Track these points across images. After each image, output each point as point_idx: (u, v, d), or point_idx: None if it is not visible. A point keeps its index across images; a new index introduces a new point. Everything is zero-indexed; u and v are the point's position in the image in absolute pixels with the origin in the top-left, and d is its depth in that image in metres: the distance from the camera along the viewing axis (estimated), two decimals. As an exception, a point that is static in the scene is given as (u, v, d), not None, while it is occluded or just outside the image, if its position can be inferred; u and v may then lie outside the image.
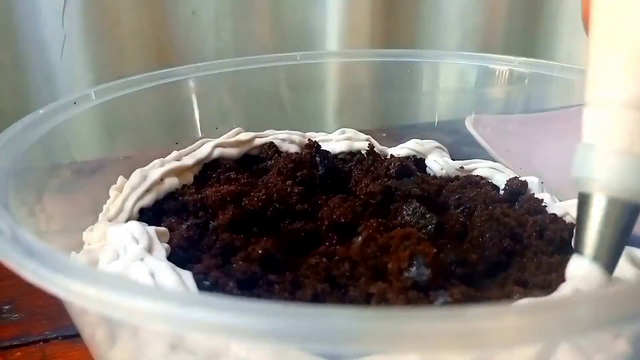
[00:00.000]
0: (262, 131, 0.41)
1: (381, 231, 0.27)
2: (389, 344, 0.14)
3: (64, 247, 0.28)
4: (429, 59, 0.46)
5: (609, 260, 0.21)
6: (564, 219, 0.31)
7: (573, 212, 0.30)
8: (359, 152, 0.40)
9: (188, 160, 0.36)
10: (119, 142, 0.40)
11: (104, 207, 0.32)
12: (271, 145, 0.40)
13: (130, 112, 0.38)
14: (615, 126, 0.19)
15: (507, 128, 0.45)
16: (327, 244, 0.29)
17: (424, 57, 0.46)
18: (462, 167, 0.38)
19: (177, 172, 0.35)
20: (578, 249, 0.21)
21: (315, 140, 0.37)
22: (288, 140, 0.40)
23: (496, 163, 0.38)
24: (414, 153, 0.38)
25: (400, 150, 0.39)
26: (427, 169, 0.39)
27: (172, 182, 0.34)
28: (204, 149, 0.37)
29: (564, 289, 0.21)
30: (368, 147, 0.40)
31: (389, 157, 0.39)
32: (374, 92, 0.51)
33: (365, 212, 0.31)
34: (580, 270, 0.21)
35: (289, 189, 0.33)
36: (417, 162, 0.39)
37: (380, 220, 0.28)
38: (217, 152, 0.37)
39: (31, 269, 0.17)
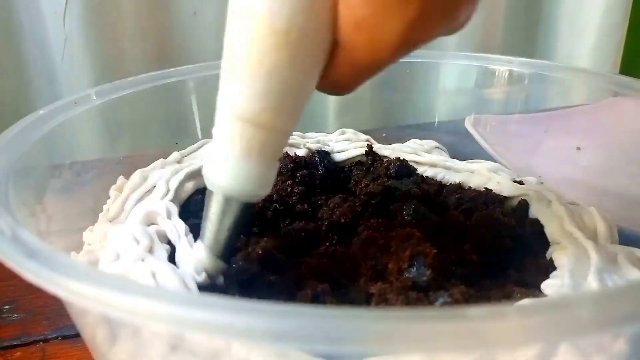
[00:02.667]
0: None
1: (381, 231, 0.27)
2: (389, 344, 0.14)
3: (64, 248, 0.28)
4: (428, 59, 0.46)
5: (223, 250, 0.24)
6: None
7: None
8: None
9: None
10: (119, 142, 0.40)
11: (104, 207, 0.32)
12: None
13: (130, 112, 0.38)
14: (222, 135, 0.22)
15: (507, 128, 0.45)
16: (327, 244, 0.29)
17: (424, 57, 0.46)
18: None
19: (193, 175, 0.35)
20: (201, 242, 0.25)
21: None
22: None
23: (496, 163, 0.38)
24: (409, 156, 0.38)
25: (398, 152, 0.39)
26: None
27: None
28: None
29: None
30: (367, 147, 0.40)
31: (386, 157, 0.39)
32: (374, 92, 0.51)
33: (365, 212, 0.31)
34: (197, 257, 0.24)
35: (289, 189, 0.33)
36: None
37: (380, 220, 0.28)
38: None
39: (31, 269, 0.17)
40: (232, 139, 0.22)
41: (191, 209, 0.32)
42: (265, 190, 0.23)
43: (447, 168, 0.37)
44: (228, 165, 0.22)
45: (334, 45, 0.20)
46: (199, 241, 0.25)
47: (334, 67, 0.21)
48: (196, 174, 0.34)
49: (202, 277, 0.24)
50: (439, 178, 0.37)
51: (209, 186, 0.24)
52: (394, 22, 0.18)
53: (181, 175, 0.33)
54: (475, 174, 0.36)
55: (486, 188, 0.34)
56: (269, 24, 0.19)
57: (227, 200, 0.23)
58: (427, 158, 0.38)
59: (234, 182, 0.22)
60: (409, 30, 0.18)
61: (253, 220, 0.30)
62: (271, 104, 0.21)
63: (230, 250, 0.25)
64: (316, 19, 0.19)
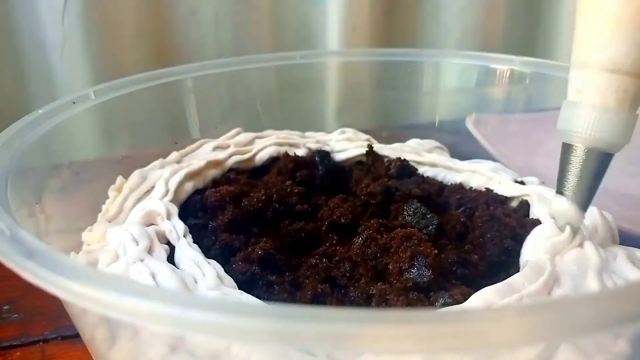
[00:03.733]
0: (262, 131, 0.41)
1: (382, 232, 0.27)
2: (389, 345, 0.14)
3: (64, 248, 0.28)
4: (429, 59, 0.46)
5: (583, 199, 0.25)
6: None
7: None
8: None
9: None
10: (118, 142, 0.40)
11: (103, 207, 0.32)
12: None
13: (129, 111, 0.38)
14: (591, 86, 0.22)
15: (508, 128, 0.45)
16: (327, 244, 0.29)
17: (424, 56, 0.46)
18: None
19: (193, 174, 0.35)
20: (559, 190, 0.25)
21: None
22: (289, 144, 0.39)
23: (496, 163, 0.38)
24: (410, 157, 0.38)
25: (398, 152, 0.39)
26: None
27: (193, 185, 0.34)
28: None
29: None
30: (367, 147, 0.40)
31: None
32: (374, 92, 0.51)
33: (365, 213, 0.31)
34: (560, 207, 0.25)
35: (289, 189, 0.33)
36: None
37: (380, 220, 0.28)
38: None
39: (31, 269, 0.17)
40: (605, 90, 0.22)
41: (190, 209, 0.32)
42: (626, 141, 0.23)
43: (448, 168, 0.37)
44: (596, 116, 0.22)
45: None
46: (556, 197, 0.25)
47: None
48: (195, 174, 0.34)
49: None
50: (439, 178, 0.37)
51: (567, 138, 0.24)
52: None
53: (180, 175, 0.33)
54: (476, 174, 0.36)
55: (487, 188, 0.34)
56: None
57: (590, 151, 0.23)
58: (427, 158, 0.38)
59: (601, 133, 0.23)
60: None
61: (253, 220, 0.30)
62: None
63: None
64: None
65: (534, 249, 0.25)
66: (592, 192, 0.24)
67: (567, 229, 0.25)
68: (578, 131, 0.23)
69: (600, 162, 0.24)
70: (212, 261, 0.25)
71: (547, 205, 0.31)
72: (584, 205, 0.25)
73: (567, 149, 0.24)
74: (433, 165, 0.38)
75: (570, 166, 0.24)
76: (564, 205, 0.25)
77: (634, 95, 0.22)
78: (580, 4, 0.22)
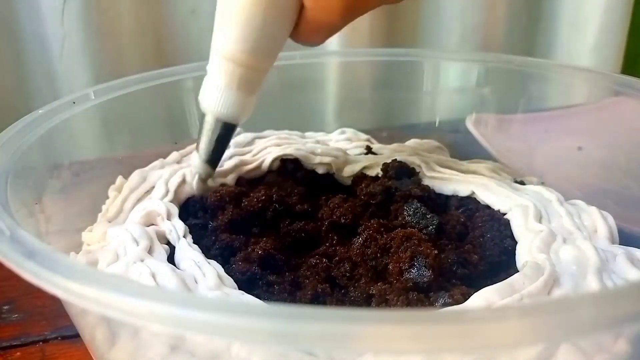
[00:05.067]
0: (262, 131, 0.41)
1: (382, 232, 0.27)
2: (389, 345, 0.14)
3: (64, 248, 0.28)
4: (429, 59, 0.46)
5: (212, 158, 0.31)
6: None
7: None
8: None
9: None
10: (118, 142, 0.40)
11: (103, 207, 0.32)
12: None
13: (129, 111, 0.38)
14: (214, 69, 0.28)
15: (508, 128, 0.45)
16: (327, 244, 0.29)
17: (424, 56, 0.46)
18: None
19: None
20: (197, 149, 0.31)
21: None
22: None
23: (496, 163, 0.38)
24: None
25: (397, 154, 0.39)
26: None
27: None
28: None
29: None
30: (366, 147, 0.40)
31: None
32: (374, 92, 0.51)
33: (365, 213, 0.31)
34: (194, 162, 0.31)
35: (289, 189, 0.33)
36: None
37: (380, 220, 0.28)
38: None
39: (31, 270, 0.17)
40: (219, 73, 0.28)
41: (190, 209, 0.32)
42: (245, 116, 0.30)
43: (448, 168, 0.37)
44: (217, 93, 0.28)
45: (301, 7, 0.26)
46: (194, 152, 0.31)
47: (302, 23, 0.27)
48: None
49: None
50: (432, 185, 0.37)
51: (202, 109, 0.30)
52: None
53: (180, 176, 0.33)
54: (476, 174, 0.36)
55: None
56: None
57: (216, 121, 0.29)
58: (427, 158, 0.38)
59: (220, 107, 0.29)
60: None
61: (253, 220, 0.30)
62: (248, 47, 0.27)
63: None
64: None
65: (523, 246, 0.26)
66: (219, 152, 0.31)
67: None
68: (207, 105, 0.29)
69: (223, 129, 0.30)
70: (212, 261, 0.25)
71: (547, 205, 0.31)
72: (212, 162, 0.31)
73: (202, 118, 0.30)
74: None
75: (203, 131, 0.30)
76: (196, 161, 0.31)
77: (239, 79, 0.28)
78: (218, 6, 0.28)
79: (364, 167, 0.36)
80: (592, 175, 0.38)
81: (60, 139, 0.31)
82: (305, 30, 0.27)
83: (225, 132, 0.30)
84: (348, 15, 0.26)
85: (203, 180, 0.32)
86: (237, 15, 0.26)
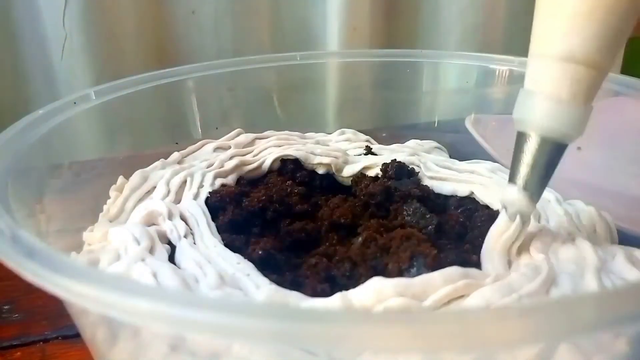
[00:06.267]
0: (262, 132, 0.41)
1: (381, 232, 0.27)
2: (389, 345, 0.14)
3: (64, 248, 0.28)
4: (429, 59, 0.46)
5: (535, 189, 0.24)
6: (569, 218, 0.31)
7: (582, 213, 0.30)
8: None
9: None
10: (118, 142, 0.40)
11: (104, 207, 0.32)
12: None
13: (130, 112, 0.38)
14: (547, 76, 0.23)
15: (507, 128, 0.44)
16: (327, 244, 0.29)
17: (424, 57, 0.46)
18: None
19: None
20: (511, 179, 0.25)
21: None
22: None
23: (496, 163, 0.38)
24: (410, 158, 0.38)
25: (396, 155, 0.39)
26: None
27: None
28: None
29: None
30: (366, 148, 0.40)
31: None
32: (374, 92, 0.51)
33: (365, 213, 0.31)
34: (511, 196, 0.25)
35: (289, 189, 0.33)
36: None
37: (380, 220, 0.28)
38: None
39: (31, 269, 0.17)
40: (560, 80, 0.22)
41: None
42: (580, 133, 0.23)
43: (447, 168, 0.37)
44: (550, 105, 0.23)
45: None
46: (509, 185, 0.25)
47: None
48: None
49: None
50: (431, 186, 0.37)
51: (522, 127, 0.24)
52: None
53: (181, 176, 0.33)
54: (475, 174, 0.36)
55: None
56: None
57: (543, 141, 0.23)
58: (426, 158, 0.38)
59: (554, 123, 0.23)
60: None
61: (253, 220, 0.30)
62: (604, 44, 0.22)
63: None
64: None
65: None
66: (544, 182, 0.24)
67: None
68: (532, 120, 0.23)
69: (553, 151, 0.24)
70: (213, 259, 0.25)
71: (546, 205, 0.31)
72: (535, 194, 0.24)
73: (520, 137, 0.24)
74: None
75: (523, 155, 0.24)
76: (515, 195, 0.24)
77: (587, 86, 0.22)
78: (539, 1, 0.24)
79: (364, 168, 0.36)
80: (591, 175, 0.38)
81: (61, 139, 0.31)
82: None
83: (555, 154, 0.24)
84: None
85: (524, 221, 0.25)
86: (590, 14, 0.22)
